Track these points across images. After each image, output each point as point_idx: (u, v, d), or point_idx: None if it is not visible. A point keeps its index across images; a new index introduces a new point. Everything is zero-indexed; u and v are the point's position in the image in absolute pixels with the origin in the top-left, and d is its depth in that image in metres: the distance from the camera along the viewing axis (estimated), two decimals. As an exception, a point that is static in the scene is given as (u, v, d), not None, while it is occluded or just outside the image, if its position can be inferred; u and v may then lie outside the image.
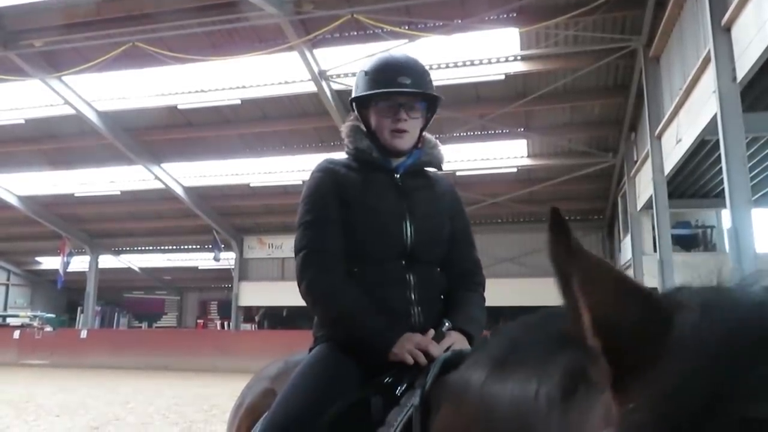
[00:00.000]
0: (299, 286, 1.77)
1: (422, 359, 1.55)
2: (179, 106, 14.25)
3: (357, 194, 1.81)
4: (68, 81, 13.46)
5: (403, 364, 1.56)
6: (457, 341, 1.68)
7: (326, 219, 1.79)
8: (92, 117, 14.41)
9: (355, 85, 1.92)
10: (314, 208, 1.82)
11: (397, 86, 1.80)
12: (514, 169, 15.80)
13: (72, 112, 14.12)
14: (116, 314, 27.54)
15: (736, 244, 6.47)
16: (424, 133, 1.96)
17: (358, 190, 1.82)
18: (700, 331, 0.62)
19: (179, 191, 17.66)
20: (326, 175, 1.86)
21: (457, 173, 15.80)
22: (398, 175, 1.88)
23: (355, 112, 1.93)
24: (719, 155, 6.76)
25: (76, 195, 19.19)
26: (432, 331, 1.66)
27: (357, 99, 1.89)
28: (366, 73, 1.87)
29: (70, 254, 21.72)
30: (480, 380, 1.15)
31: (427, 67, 1.92)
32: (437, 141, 1.99)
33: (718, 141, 6.81)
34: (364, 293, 1.72)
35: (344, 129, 1.94)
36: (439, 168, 1.98)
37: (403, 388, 1.48)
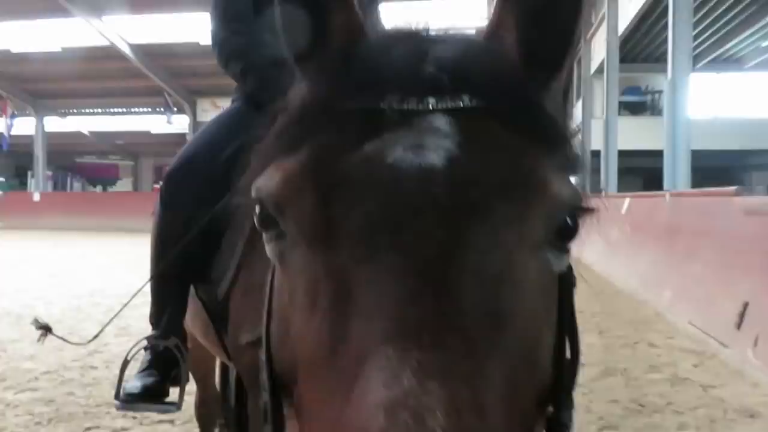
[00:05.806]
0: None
1: None
2: (117, -47, 13.17)
3: None
4: None
5: None
6: None
7: None
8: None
9: None
10: None
11: None
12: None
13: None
14: (69, 179, 27.13)
15: (673, 108, 6.76)
16: None
17: None
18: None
19: (126, 49, 16.79)
20: None
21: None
22: None
23: None
24: (667, 16, 6.83)
25: (12, 51, 18.06)
26: None
27: None
28: None
29: (13, 115, 20.88)
30: None
31: None
32: None
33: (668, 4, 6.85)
34: None
35: None
36: None
37: None
